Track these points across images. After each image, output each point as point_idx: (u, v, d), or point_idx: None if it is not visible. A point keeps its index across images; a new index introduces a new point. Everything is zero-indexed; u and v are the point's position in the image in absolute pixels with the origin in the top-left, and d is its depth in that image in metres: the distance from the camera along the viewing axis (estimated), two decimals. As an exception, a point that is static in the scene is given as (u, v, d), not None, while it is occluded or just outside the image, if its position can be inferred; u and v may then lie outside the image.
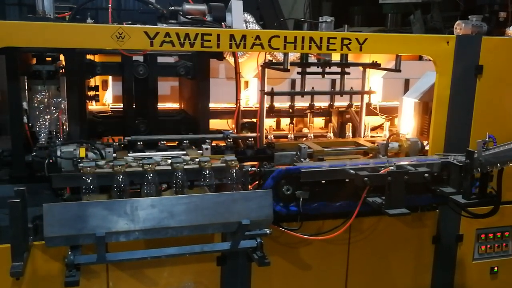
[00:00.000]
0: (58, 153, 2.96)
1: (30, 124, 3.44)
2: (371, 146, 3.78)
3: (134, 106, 3.73)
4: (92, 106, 4.20)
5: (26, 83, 3.47)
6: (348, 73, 4.11)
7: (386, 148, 3.69)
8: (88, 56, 3.68)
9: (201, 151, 3.25)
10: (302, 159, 3.46)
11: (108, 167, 2.90)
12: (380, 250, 3.71)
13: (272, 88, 3.96)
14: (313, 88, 4.15)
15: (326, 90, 4.30)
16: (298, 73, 4.03)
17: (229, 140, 3.53)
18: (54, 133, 3.40)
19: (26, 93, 3.48)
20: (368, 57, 4.41)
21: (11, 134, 3.24)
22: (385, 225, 3.63)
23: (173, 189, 2.96)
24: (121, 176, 2.86)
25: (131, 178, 2.93)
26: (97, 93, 3.99)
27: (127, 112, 3.74)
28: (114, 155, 3.08)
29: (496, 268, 4.06)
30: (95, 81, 4.09)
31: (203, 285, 3.30)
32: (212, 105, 3.92)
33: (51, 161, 2.99)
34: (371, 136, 4.18)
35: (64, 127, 3.43)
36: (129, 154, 3.16)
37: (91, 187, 2.82)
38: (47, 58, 3.50)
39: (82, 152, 2.99)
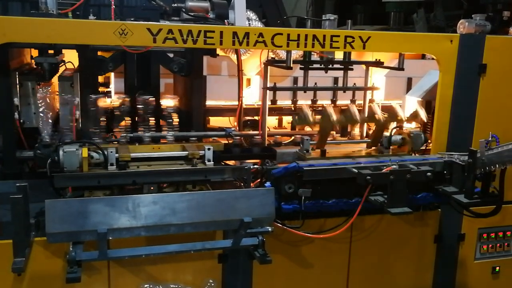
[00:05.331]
0: (61, 152, 2.94)
1: (21, 121, 3.42)
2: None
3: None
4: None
5: (17, 78, 3.44)
6: (352, 69, 4.10)
7: (389, 141, 3.66)
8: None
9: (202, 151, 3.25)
10: (305, 151, 3.44)
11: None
12: (382, 248, 3.70)
13: (275, 83, 3.94)
14: (315, 83, 4.14)
15: (328, 86, 4.28)
16: (300, 68, 4.01)
17: (232, 137, 3.53)
18: (56, 129, 3.40)
19: (18, 89, 3.45)
20: (371, 55, 4.39)
21: (2, 131, 3.22)
22: (387, 223, 3.62)
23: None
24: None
25: (133, 179, 2.95)
26: (108, 89, 3.98)
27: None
28: (117, 155, 3.07)
29: (497, 268, 4.06)
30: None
31: (205, 282, 3.31)
32: (214, 102, 3.92)
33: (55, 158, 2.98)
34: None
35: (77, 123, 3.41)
36: (131, 155, 3.15)
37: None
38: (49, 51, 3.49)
39: (84, 152, 2.98)
